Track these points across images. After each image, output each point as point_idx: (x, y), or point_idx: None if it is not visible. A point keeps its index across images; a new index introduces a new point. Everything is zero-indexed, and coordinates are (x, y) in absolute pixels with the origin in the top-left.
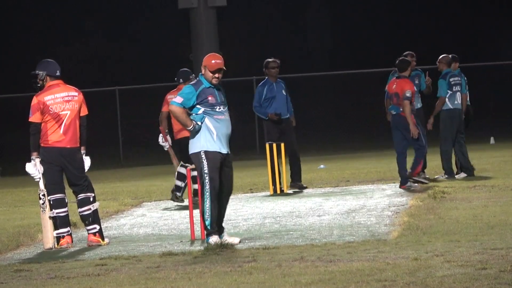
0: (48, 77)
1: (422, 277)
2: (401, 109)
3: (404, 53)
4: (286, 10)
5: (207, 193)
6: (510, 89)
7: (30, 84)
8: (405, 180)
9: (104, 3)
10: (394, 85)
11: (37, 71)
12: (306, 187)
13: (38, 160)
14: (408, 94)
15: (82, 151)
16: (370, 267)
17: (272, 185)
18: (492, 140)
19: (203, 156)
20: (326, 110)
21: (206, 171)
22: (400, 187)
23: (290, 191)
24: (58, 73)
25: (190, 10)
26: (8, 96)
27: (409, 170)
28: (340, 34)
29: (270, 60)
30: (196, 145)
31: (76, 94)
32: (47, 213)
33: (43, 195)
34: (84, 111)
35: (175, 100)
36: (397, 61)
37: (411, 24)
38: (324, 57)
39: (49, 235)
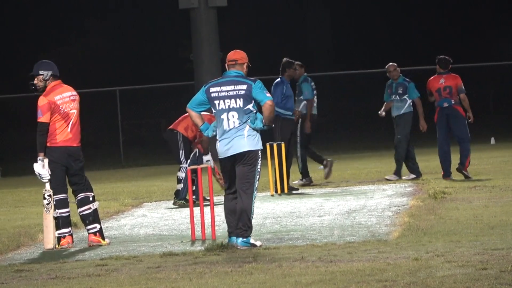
0: (52, 77)
1: (422, 277)
2: (453, 101)
3: (295, 62)
4: (286, 10)
5: (256, 192)
6: (510, 89)
7: (27, 85)
8: (449, 172)
9: (104, 3)
10: (442, 80)
11: (41, 72)
12: (298, 189)
13: (46, 161)
14: (463, 87)
15: None
16: (370, 267)
17: (273, 185)
18: (492, 140)
19: (260, 155)
20: (326, 110)
21: (259, 170)
22: (444, 178)
23: (298, 191)
24: (58, 74)
25: (191, 10)
26: (8, 96)
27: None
28: (340, 34)
29: (292, 61)
30: (256, 143)
31: (76, 93)
32: (51, 213)
33: (49, 195)
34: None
35: (271, 96)
36: (437, 59)
37: (411, 24)
38: (324, 57)
39: (50, 236)
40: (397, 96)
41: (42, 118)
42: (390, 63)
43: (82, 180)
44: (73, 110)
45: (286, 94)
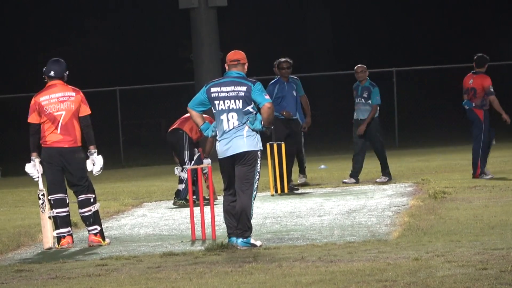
0: (47, 77)
1: (422, 277)
2: (473, 104)
3: (278, 60)
4: (286, 10)
5: (255, 192)
6: (510, 89)
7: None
8: (477, 170)
9: (104, 3)
10: (471, 80)
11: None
12: (298, 189)
13: (37, 161)
14: (491, 89)
15: (93, 150)
16: (370, 267)
17: (273, 185)
18: (492, 140)
19: (259, 155)
20: (326, 110)
21: (259, 171)
22: (473, 177)
23: (298, 191)
24: (51, 74)
25: (191, 10)
26: (8, 96)
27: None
28: (340, 34)
29: (282, 60)
30: (256, 144)
31: (73, 94)
32: (47, 213)
33: (43, 195)
34: (85, 111)
35: (270, 99)
36: (475, 57)
37: (411, 24)
38: (324, 57)
39: (48, 235)
40: (363, 99)
41: (29, 118)
42: (359, 65)
43: (81, 182)
44: (60, 111)
45: (278, 94)
